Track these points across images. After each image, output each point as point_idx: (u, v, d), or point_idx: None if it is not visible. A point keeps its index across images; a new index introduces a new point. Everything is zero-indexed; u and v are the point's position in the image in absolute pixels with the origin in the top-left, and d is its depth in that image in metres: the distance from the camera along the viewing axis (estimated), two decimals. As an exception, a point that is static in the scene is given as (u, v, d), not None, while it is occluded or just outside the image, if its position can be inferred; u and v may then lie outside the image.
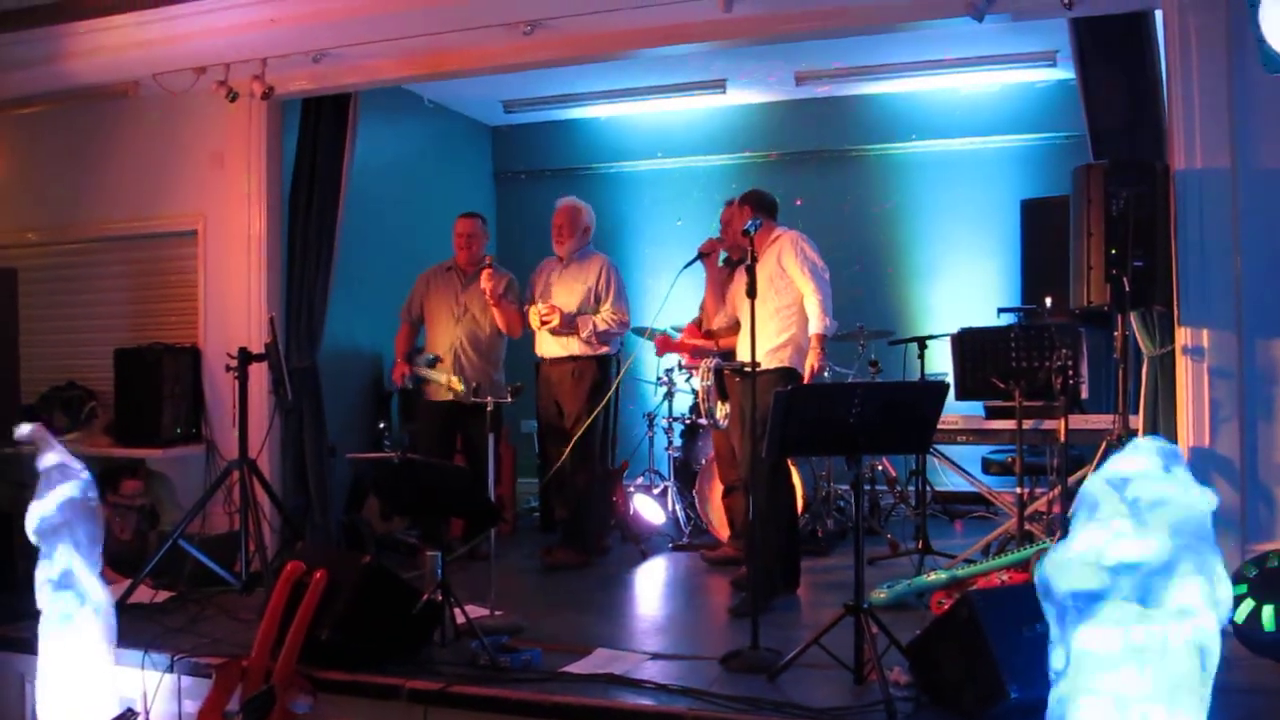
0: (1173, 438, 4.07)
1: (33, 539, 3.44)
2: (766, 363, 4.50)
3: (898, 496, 6.34)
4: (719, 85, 7.00)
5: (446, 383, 5.34)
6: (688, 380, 6.12)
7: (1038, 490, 5.21)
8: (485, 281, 5.35)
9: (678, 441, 6.28)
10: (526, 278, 5.65)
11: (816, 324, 4.53)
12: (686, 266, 4.99)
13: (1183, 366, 4.14)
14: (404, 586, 3.81)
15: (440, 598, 3.81)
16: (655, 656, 3.78)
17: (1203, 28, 4.11)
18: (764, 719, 3.12)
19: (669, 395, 6.16)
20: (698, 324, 5.68)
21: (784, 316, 4.63)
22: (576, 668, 3.60)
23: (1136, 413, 4.32)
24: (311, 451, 5.50)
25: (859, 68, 6.69)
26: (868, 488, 6.02)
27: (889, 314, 6.83)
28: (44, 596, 3.47)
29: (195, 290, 5.69)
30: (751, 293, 3.83)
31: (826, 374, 5.10)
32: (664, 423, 6.26)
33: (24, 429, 3.55)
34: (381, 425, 6.46)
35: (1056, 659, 2.27)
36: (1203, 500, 2.18)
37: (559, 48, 4.93)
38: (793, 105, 7.33)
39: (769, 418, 3.48)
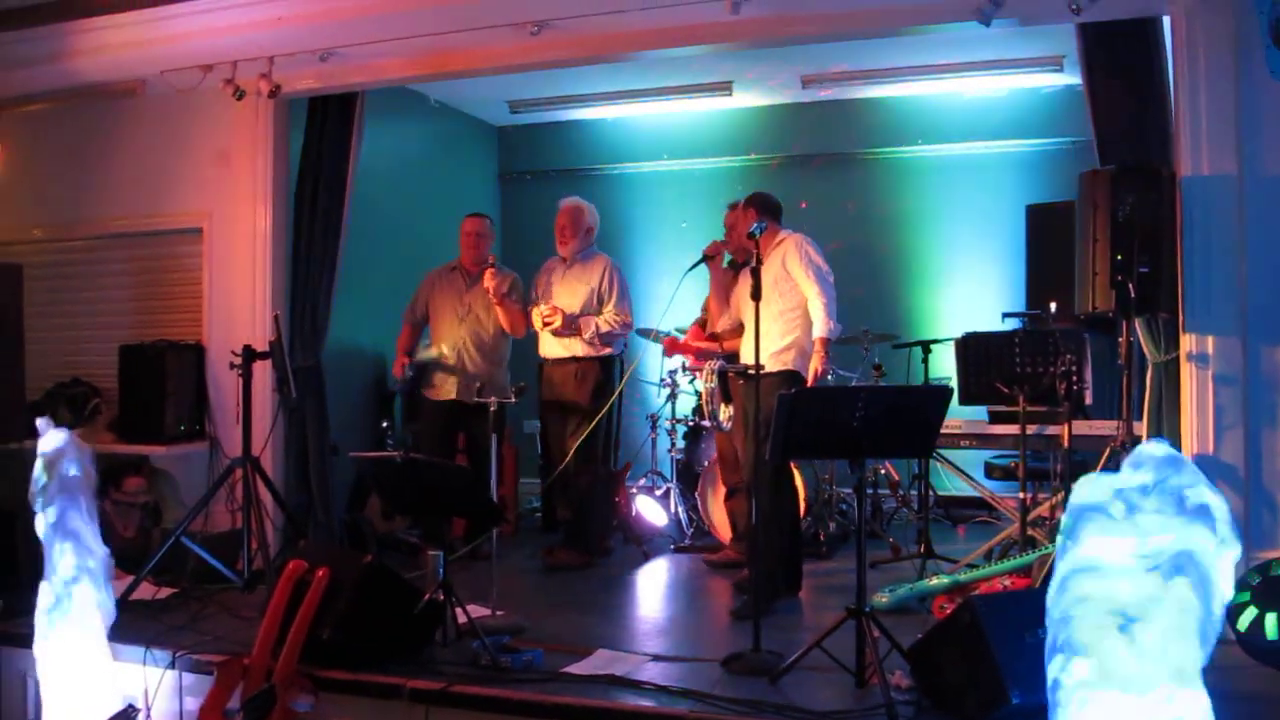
0: (1177, 444, 4.06)
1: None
2: (770, 365, 4.50)
3: (900, 500, 6.34)
4: (725, 87, 7.00)
5: (438, 356, 5.41)
6: (691, 382, 6.13)
7: (1040, 495, 5.20)
8: (488, 280, 5.36)
9: (680, 443, 6.28)
10: (531, 278, 5.65)
11: (821, 327, 4.53)
12: (691, 269, 5.00)
13: (1187, 373, 4.13)
14: (406, 586, 3.81)
15: (442, 597, 3.81)
16: (657, 658, 3.78)
17: (1210, 34, 4.10)
18: (765, 722, 3.12)
19: (672, 397, 6.16)
20: (701, 325, 5.68)
21: (788, 319, 4.63)
22: (578, 668, 3.60)
23: (1141, 419, 4.31)
24: (314, 450, 5.50)
25: (865, 71, 6.69)
26: (870, 491, 6.01)
27: (893, 318, 6.83)
28: (46, 593, 3.48)
29: (200, 288, 5.69)
30: (756, 295, 3.84)
31: (830, 377, 5.10)
32: (667, 424, 6.26)
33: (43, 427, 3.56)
34: (384, 424, 6.47)
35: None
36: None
37: (566, 48, 4.93)
38: (798, 108, 7.34)
39: (773, 420, 3.48)
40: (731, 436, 5.00)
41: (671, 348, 5.75)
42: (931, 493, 5.82)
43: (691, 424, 6.20)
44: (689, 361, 5.96)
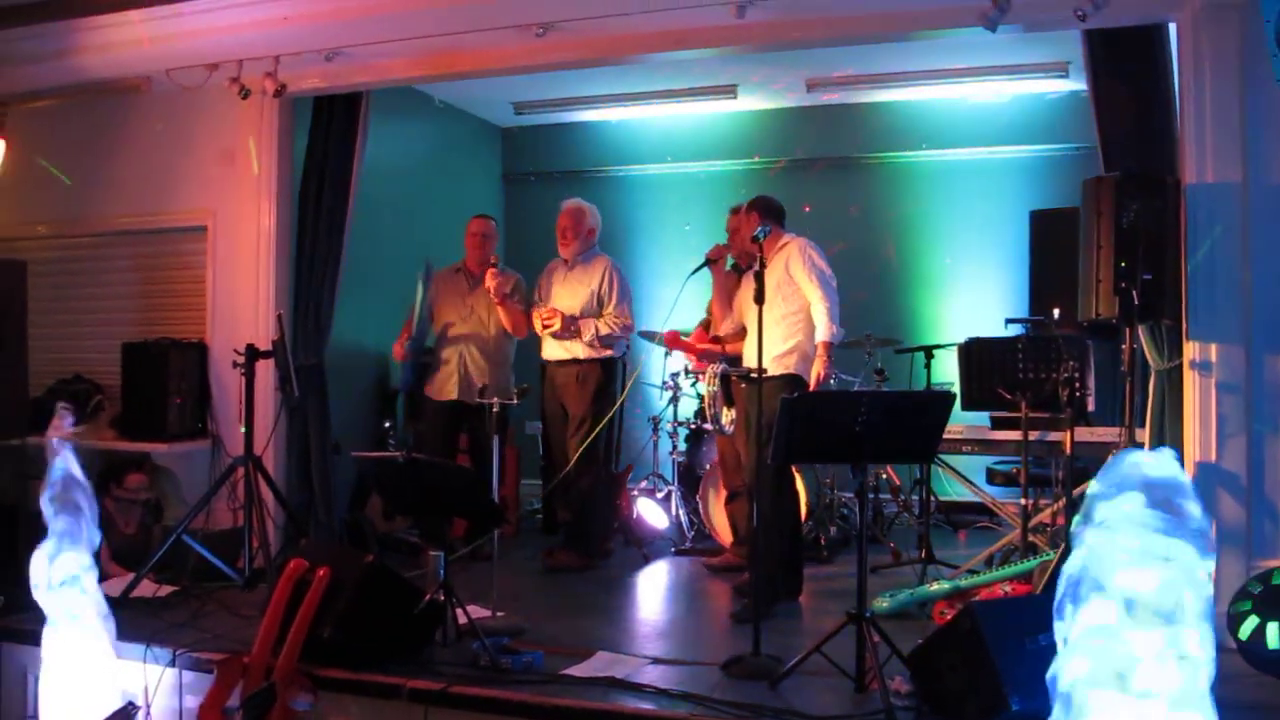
0: (1179, 452, 4.05)
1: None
2: (773, 369, 4.50)
3: (901, 505, 6.33)
4: (730, 91, 7.00)
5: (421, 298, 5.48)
6: (693, 385, 6.13)
7: (1042, 502, 5.20)
8: (489, 281, 5.37)
9: (682, 446, 6.28)
10: (535, 279, 5.66)
11: (823, 331, 4.53)
12: (694, 273, 4.99)
13: (1190, 381, 4.13)
14: (406, 586, 3.81)
15: (442, 598, 3.81)
16: (656, 661, 3.78)
17: (1216, 41, 4.09)
18: (764, 726, 3.12)
19: (674, 399, 6.16)
20: (705, 328, 5.68)
21: (791, 323, 4.63)
22: (577, 671, 3.60)
23: (1143, 426, 4.31)
24: (316, 449, 5.50)
25: (870, 75, 6.69)
26: (871, 496, 6.00)
27: (896, 322, 6.82)
28: (46, 590, 3.48)
29: (203, 286, 5.70)
30: (760, 299, 3.83)
31: (832, 381, 5.10)
32: (669, 427, 6.26)
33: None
34: (386, 424, 6.47)
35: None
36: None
37: (571, 50, 4.93)
38: (803, 112, 7.33)
39: (774, 424, 3.48)
40: (733, 440, 5.00)
41: (673, 343, 5.74)
42: (933, 498, 5.81)
43: (693, 427, 6.20)
44: (692, 364, 5.95)
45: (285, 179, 5.57)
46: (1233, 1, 4.04)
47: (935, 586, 4.38)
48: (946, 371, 5.74)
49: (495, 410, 4.60)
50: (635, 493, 6.12)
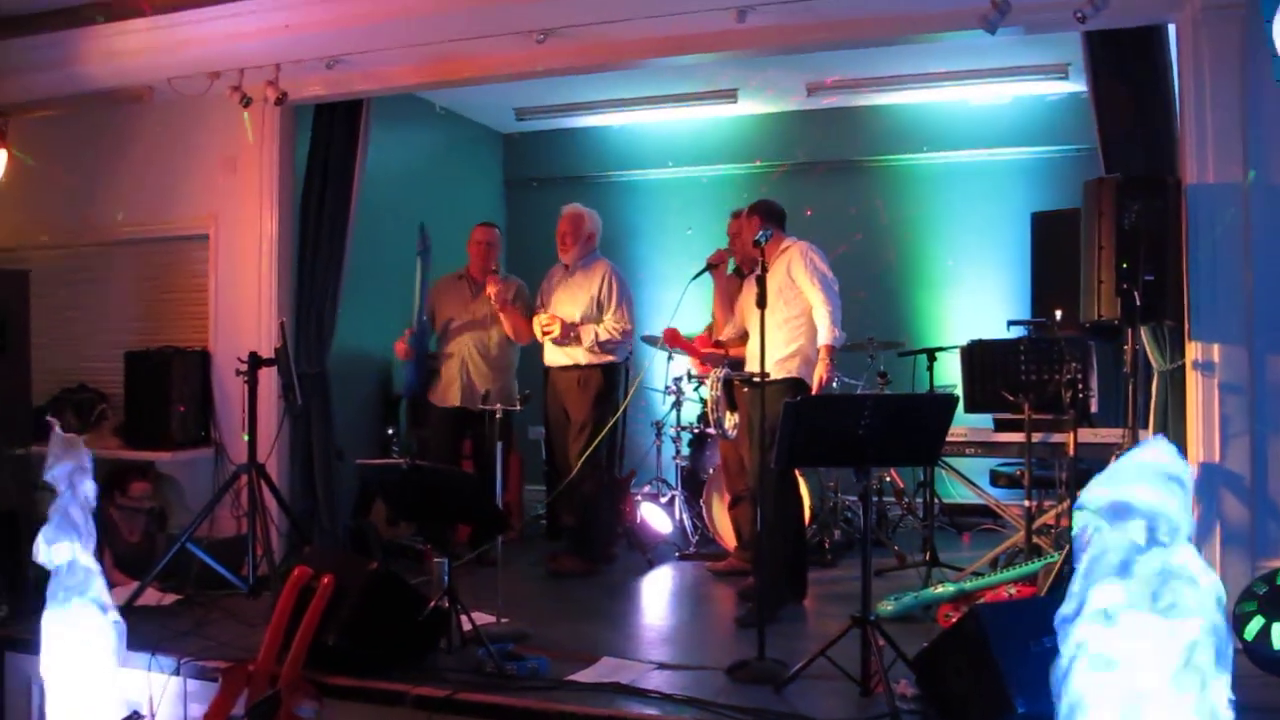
0: (1182, 452, 4.05)
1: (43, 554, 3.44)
2: (775, 373, 4.50)
3: (905, 508, 6.32)
4: (730, 95, 7.00)
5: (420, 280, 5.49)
6: (696, 390, 6.12)
7: (1046, 503, 5.19)
8: (491, 288, 5.38)
9: (685, 450, 6.28)
10: (536, 285, 5.66)
11: (825, 335, 4.53)
12: (695, 277, 4.99)
13: (1193, 381, 4.13)
14: (411, 592, 3.81)
15: (447, 604, 3.81)
16: (661, 666, 3.78)
17: (1216, 42, 4.10)
18: (770, 730, 3.12)
19: (677, 404, 6.16)
20: (709, 332, 5.68)
21: (793, 327, 4.63)
22: (582, 676, 3.60)
23: (1146, 427, 4.30)
24: (320, 456, 5.51)
25: (871, 78, 6.69)
26: (875, 499, 6.00)
27: (898, 325, 6.82)
28: (51, 598, 3.48)
29: (206, 294, 5.72)
30: (761, 303, 3.84)
31: (835, 385, 5.10)
32: (672, 431, 6.26)
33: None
34: (390, 431, 6.48)
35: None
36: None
37: (572, 56, 4.94)
38: (804, 115, 7.34)
39: (778, 428, 3.48)
40: (736, 444, 5.00)
41: (672, 341, 5.74)
42: (936, 501, 5.81)
43: (696, 431, 6.20)
44: (695, 368, 5.95)
45: (287, 186, 5.58)
46: (1233, 2, 4.05)
47: (940, 589, 4.37)
48: (949, 374, 5.73)
49: (498, 416, 4.61)
50: (639, 498, 6.12)
